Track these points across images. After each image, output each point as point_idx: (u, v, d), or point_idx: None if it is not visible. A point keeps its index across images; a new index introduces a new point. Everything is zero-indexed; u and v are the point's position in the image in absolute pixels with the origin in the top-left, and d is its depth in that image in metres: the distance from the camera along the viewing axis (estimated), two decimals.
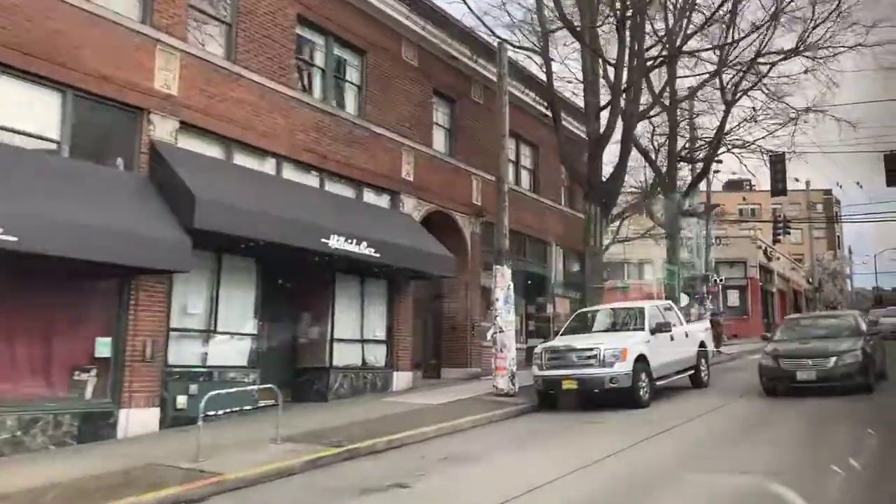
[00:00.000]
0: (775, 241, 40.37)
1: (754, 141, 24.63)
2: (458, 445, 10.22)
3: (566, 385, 12.85)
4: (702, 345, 15.75)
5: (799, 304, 60.00)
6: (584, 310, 16.33)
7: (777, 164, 27.70)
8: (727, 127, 23.85)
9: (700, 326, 16.51)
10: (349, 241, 13.39)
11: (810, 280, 54.24)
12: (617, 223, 29.53)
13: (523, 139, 22.58)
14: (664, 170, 24.98)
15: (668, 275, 24.88)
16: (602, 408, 12.68)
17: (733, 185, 68.66)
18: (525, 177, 23.00)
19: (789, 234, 41.18)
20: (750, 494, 6.68)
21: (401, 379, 16.25)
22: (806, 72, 21.44)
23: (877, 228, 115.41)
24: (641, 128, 23.73)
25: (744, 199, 53.08)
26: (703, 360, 15.62)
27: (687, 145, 24.69)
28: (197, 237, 11.20)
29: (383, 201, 16.56)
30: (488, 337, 15.07)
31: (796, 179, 30.01)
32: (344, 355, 15.09)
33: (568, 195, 25.25)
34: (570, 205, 25.05)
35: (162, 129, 11.72)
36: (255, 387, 12.38)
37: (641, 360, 13.07)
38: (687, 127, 26.27)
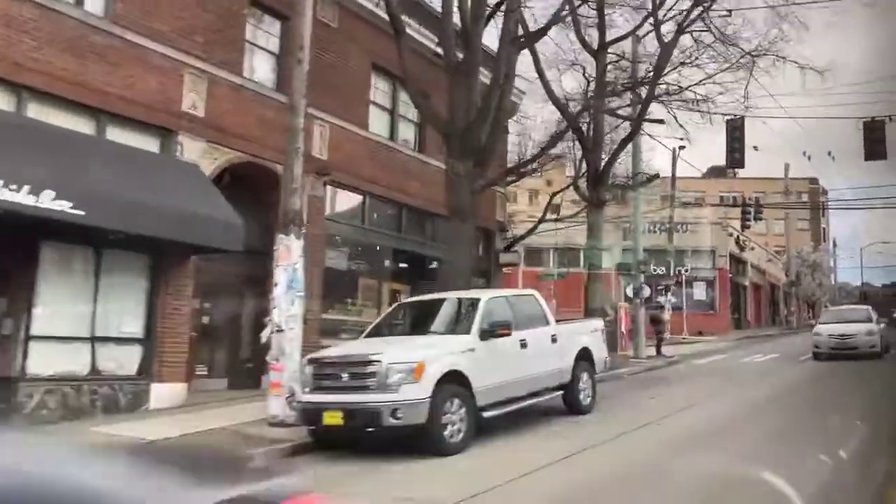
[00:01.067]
0: (744, 228, 35.77)
1: (689, 86, 19.82)
2: None
3: (328, 419, 8.13)
4: (583, 353, 11.08)
5: (776, 299, 55.49)
6: (405, 301, 11.61)
7: (735, 130, 23.02)
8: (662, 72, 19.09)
9: (583, 327, 11.85)
10: (12, 188, 8.63)
11: (788, 273, 49.71)
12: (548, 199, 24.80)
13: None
14: (590, 130, 20.22)
15: (592, 255, 20.16)
16: (398, 450, 8.10)
17: (717, 172, 64.12)
18: (407, 132, 18.20)
19: (760, 220, 36.49)
20: None
21: (165, 393, 11.49)
22: None
23: (867, 224, 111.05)
24: (575, 83, 18.83)
25: (708, 177, 48.28)
26: (584, 375, 10.96)
27: (612, 91, 19.84)
28: None
29: (148, 142, 11.78)
30: (263, 339, 10.36)
31: (755, 148, 25.34)
32: (51, 360, 10.31)
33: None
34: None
35: None
36: None
37: (455, 379, 8.39)
38: (628, 80, 21.47)
